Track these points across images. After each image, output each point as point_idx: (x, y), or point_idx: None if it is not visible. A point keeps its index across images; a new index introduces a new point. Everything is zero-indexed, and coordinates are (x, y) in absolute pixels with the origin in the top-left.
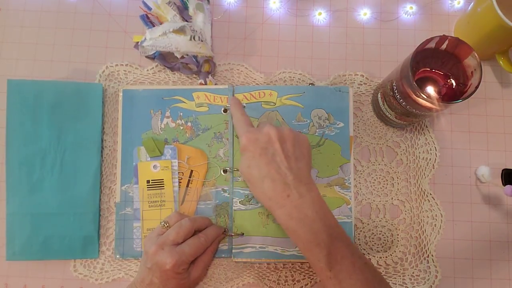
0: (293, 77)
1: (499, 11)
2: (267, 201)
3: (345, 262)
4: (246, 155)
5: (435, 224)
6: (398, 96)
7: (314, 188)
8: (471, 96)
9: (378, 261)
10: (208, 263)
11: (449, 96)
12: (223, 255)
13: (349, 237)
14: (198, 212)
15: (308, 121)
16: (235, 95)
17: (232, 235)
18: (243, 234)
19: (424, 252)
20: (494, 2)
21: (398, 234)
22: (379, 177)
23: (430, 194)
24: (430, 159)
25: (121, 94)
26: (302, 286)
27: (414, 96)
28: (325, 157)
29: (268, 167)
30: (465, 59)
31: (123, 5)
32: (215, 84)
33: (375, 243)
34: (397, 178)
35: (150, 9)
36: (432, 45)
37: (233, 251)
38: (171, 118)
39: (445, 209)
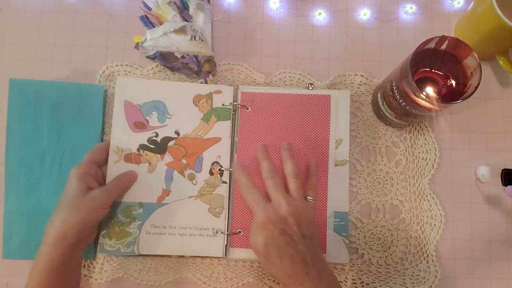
0: (293, 77)
1: (499, 11)
2: (286, 279)
3: None
4: (264, 233)
5: (435, 224)
6: (397, 96)
7: (328, 264)
8: (471, 96)
9: (378, 261)
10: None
11: (449, 97)
12: (220, 255)
13: None
14: None
15: None
16: None
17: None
18: (240, 232)
19: (424, 252)
20: (494, 2)
21: (398, 234)
22: (379, 177)
23: (430, 194)
24: (430, 159)
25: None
26: None
27: (413, 97)
28: None
29: (287, 247)
30: (465, 60)
31: (123, 5)
32: (216, 84)
33: (375, 243)
34: (397, 178)
35: (150, 9)
36: (431, 45)
37: (230, 249)
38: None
39: (445, 209)
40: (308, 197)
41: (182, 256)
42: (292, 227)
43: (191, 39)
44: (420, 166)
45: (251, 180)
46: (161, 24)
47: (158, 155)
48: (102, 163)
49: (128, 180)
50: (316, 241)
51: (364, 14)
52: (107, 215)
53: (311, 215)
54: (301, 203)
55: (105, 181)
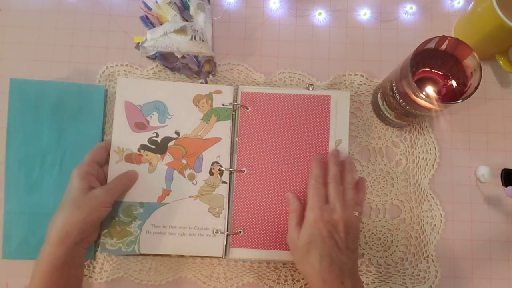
0: (293, 77)
1: (499, 11)
2: (320, 283)
3: None
4: (311, 230)
5: (435, 224)
6: (398, 96)
7: (362, 283)
8: (471, 96)
9: (378, 261)
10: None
11: (449, 97)
12: (220, 255)
13: None
14: None
15: None
16: None
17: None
18: (240, 232)
19: (424, 252)
20: (494, 2)
21: (398, 234)
22: (379, 177)
23: (430, 194)
24: (430, 159)
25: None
26: (302, 286)
27: (413, 97)
28: None
29: (330, 251)
30: (465, 60)
31: (123, 5)
32: (216, 84)
33: (375, 243)
34: (397, 178)
35: (150, 9)
36: (432, 45)
37: (230, 249)
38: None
39: (445, 209)
40: (355, 212)
41: (182, 256)
42: (340, 234)
43: (191, 39)
44: (420, 166)
45: (323, 178)
46: (161, 24)
47: (159, 155)
48: (103, 162)
49: (129, 179)
50: (356, 256)
51: (364, 14)
52: (109, 215)
53: (358, 229)
54: (353, 215)
55: (106, 181)
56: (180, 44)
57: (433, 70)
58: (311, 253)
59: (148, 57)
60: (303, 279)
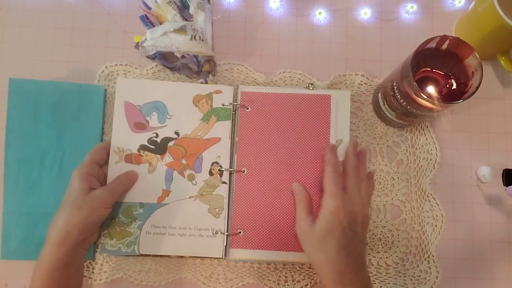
0: (293, 77)
1: (500, 11)
2: (335, 274)
3: None
4: (331, 219)
5: (436, 225)
6: (398, 96)
7: (369, 277)
8: (472, 96)
9: (378, 262)
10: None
11: (450, 96)
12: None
13: None
14: None
15: None
16: None
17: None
18: (240, 232)
19: (424, 253)
20: (495, 2)
21: (398, 235)
22: (380, 177)
23: (431, 194)
24: (430, 159)
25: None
26: (302, 287)
27: (414, 96)
28: None
29: (349, 242)
30: (466, 59)
31: (123, 5)
32: (216, 84)
33: (375, 244)
34: (398, 178)
35: (150, 8)
36: (432, 45)
37: (230, 250)
38: None
39: (446, 209)
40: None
41: (182, 257)
42: (359, 227)
43: (191, 39)
44: (421, 166)
45: (340, 168)
46: (161, 24)
47: (158, 156)
48: (103, 163)
49: (129, 179)
50: (366, 250)
51: (365, 13)
52: (108, 215)
53: (369, 222)
54: (368, 209)
55: (106, 181)
56: (179, 44)
57: (434, 70)
58: (329, 242)
59: (147, 57)
60: (303, 279)
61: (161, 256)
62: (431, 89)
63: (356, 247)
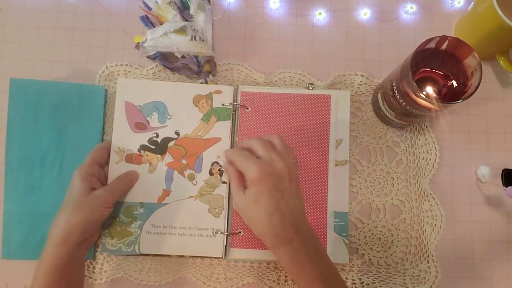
0: (293, 77)
1: (499, 11)
2: (273, 237)
3: None
4: (255, 188)
5: (435, 224)
6: (398, 96)
7: (311, 226)
8: (471, 96)
9: (378, 261)
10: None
11: (449, 96)
12: (219, 255)
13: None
14: None
15: None
16: None
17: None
18: (240, 232)
19: (424, 252)
20: (495, 2)
21: (398, 234)
22: (379, 177)
23: (430, 194)
24: (430, 159)
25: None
26: None
27: (414, 96)
28: None
29: (278, 203)
30: (465, 59)
31: (123, 5)
32: (216, 84)
33: (375, 243)
34: (397, 178)
35: (150, 9)
36: (432, 45)
37: (230, 249)
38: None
39: (445, 209)
40: (292, 159)
41: (182, 256)
42: (285, 183)
43: (191, 39)
44: (421, 166)
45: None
46: (161, 24)
47: (159, 156)
48: (104, 163)
49: (130, 179)
50: (301, 201)
51: (365, 13)
52: (109, 215)
53: (298, 175)
54: (291, 161)
55: (107, 181)
56: (180, 44)
57: (434, 70)
58: (259, 211)
59: (148, 57)
60: None
61: (161, 255)
62: (430, 89)
63: (287, 205)
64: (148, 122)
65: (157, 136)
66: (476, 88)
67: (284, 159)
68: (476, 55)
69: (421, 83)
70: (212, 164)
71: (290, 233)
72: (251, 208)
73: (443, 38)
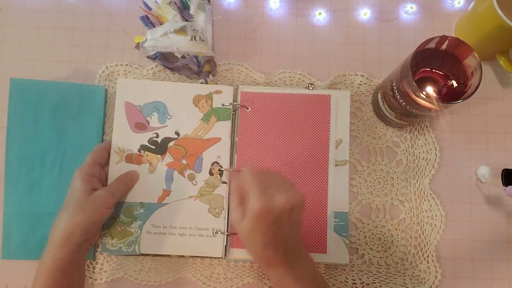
0: (293, 77)
1: (499, 11)
2: (264, 263)
3: None
4: (252, 220)
5: (435, 224)
6: (398, 96)
7: (307, 252)
8: (471, 96)
9: (378, 261)
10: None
11: (449, 96)
12: (219, 255)
13: None
14: None
15: None
16: None
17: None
18: None
19: (424, 252)
20: (495, 2)
21: (398, 234)
22: (379, 177)
23: (430, 194)
24: (430, 159)
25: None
26: None
27: (414, 96)
28: None
29: (273, 237)
30: (465, 59)
31: (123, 5)
32: (216, 84)
33: (375, 243)
34: (397, 178)
35: (150, 9)
36: (432, 45)
37: (230, 250)
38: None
39: (445, 209)
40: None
41: (182, 256)
42: (285, 216)
43: (191, 39)
44: (421, 166)
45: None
46: (161, 24)
47: (159, 156)
48: (104, 163)
49: (130, 179)
50: (299, 228)
51: (365, 13)
52: (110, 215)
53: (303, 201)
54: (294, 189)
55: (107, 181)
56: (180, 44)
57: (434, 70)
58: (254, 241)
59: (148, 57)
60: None
61: (161, 255)
62: (430, 89)
63: (283, 236)
64: (148, 122)
65: (157, 136)
66: (476, 88)
67: (286, 191)
68: (476, 55)
69: (421, 83)
70: (212, 164)
71: (282, 262)
72: (247, 236)
73: (443, 38)
